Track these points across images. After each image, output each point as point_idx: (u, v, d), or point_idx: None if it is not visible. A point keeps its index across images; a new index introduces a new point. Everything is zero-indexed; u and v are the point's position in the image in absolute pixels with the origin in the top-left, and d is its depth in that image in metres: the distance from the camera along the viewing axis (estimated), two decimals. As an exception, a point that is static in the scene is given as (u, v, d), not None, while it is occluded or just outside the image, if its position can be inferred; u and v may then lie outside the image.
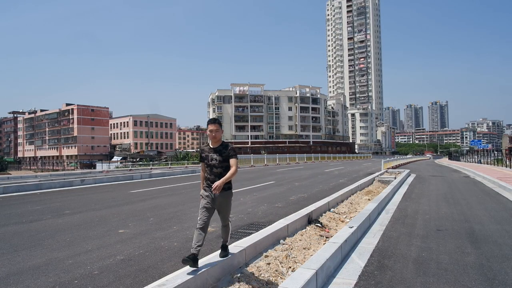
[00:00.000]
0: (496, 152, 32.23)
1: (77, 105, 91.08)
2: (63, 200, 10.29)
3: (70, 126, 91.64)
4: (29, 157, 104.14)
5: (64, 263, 4.25)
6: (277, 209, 8.00)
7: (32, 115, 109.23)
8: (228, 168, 3.68)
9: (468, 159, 39.16)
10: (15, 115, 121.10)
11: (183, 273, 3.32)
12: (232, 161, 3.68)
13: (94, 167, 49.89)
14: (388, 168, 22.62)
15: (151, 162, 46.05)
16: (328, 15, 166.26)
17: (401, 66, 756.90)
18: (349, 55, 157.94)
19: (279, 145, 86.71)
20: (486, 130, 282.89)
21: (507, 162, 23.79)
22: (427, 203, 8.83)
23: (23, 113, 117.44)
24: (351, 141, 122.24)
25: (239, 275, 3.76)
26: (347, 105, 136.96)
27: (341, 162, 46.30)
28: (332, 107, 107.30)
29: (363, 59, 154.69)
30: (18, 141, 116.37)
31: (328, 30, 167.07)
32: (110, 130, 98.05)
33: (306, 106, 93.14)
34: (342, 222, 6.89)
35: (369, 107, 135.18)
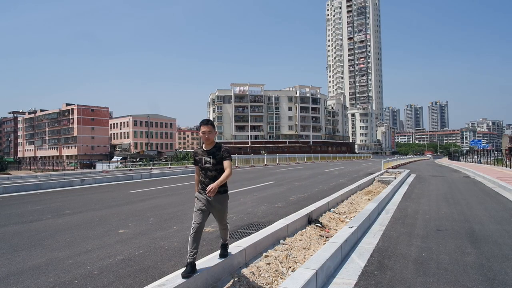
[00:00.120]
0: (496, 152, 32.23)
1: (77, 105, 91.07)
2: (63, 200, 10.29)
3: (70, 126, 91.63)
4: (29, 157, 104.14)
5: (64, 263, 4.25)
6: (277, 209, 8.00)
7: (32, 115, 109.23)
8: (222, 170, 3.59)
9: (468, 159, 39.16)
10: (15, 115, 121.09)
11: (183, 273, 3.31)
12: (226, 163, 3.58)
13: (94, 167, 49.88)
14: (388, 168, 22.62)
15: (151, 162, 46.03)
16: (328, 15, 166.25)
17: (401, 66, 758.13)
18: (349, 55, 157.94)
19: (279, 145, 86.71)
20: (486, 130, 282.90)
21: (507, 162, 23.79)
22: (427, 203, 8.83)
23: (23, 113, 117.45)
24: (351, 141, 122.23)
25: (239, 275, 3.76)
26: (347, 105, 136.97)
27: (341, 162, 46.30)
28: (332, 107, 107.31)
29: (363, 59, 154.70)
30: (18, 141, 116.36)
31: (328, 30, 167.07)
32: (110, 130, 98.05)
33: (306, 106, 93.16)
34: (342, 222, 6.89)
35: (369, 107, 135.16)
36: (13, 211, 8.33)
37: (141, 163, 47.93)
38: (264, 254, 4.47)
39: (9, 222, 6.85)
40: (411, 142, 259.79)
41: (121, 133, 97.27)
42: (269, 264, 4.13)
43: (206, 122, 3.64)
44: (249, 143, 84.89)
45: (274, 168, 29.70)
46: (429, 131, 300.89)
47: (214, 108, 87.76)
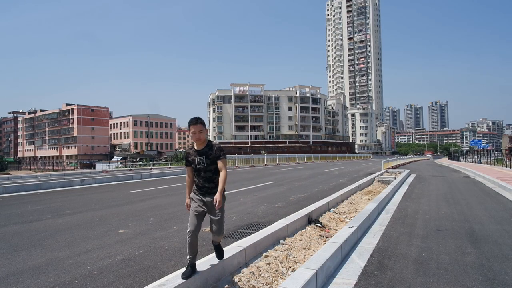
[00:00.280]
0: (496, 152, 32.26)
1: (77, 105, 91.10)
2: (63, 200, 10.29)
3: (70, 126, 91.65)
4: (29, 157, 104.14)
5: (64, 263, 4.24)
6: (277, 209, 8.00)
7: (32, 115, 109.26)
8: (217, 170, 3.39)
9: (468, 159, 39.15)
10: (15, 115, 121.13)
11: (183, 273, 3.31)
12: (221, 164, 3.37)
13: (94, 167, 49.88)
14: (388, 168, 22.61)
15: (151, 162, 46.04)
16: (328, 15, 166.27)
17: (401, 66, 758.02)
18: (349, 55, 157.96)
19: (279, 145, 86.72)
20: (486, 130, 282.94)
21: (507, 162, 23.79)
22: (427, 203, 8.83)
23: (23, 113, 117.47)
24: (351, 141, 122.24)
25: (239, 275, 3.76)
26: (347, 105, 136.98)
27: (341, 162, 46.30)
28: (332, 107, 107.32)
29: (363, 59, 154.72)
30: (18, 141, 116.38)
31: (328, 30, 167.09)
32: (110, 130, 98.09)
33: (306, 106, 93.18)
34: (342, 222, 6.89)
35: (369, 107, 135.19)
36: (13, 211, 8.33)
37: (141, 163, 47.94)
38: (264, 254, 4.47)
39: (9, 222, 6.85)
40: (411, 142, 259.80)
41: (121, 133, 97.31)
42: (269, 264, 4.13)
43: (196, 121, 3.41)
44: (249, 143, 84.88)
45: (274, 168, 29.70)
46: (429, 131, 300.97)
47: (214, 108, 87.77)
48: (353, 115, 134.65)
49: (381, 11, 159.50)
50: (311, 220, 6.48)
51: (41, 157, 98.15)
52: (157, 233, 5.73)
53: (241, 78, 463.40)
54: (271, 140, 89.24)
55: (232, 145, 78.75)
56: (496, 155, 30.72)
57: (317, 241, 5.28)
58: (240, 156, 36.66)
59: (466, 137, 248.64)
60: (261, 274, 3.84)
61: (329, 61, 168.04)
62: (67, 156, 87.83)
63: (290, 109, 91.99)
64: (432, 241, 5.15)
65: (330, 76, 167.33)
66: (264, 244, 4.71)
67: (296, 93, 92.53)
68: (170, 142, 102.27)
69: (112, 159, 70.89)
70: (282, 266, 4.11)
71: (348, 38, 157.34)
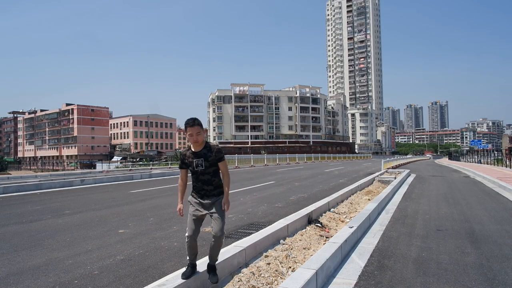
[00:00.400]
0: (496, 152, 32.25)
1: (77, 105, 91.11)
2: (63, 200, 10.29)
3: (70, 126, 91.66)
4: (29, 157, 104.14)
5: (64, 263, 4.25)
6: (277, 209, 8.00)
7: (32, 115, 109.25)
8: (216, 172, 3.28)
9: (468, 159, 39.16)
10: (15, 115, 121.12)
11: (183, 273, 3.31)
12: (222, 166, 3.27)
13: (94, 167, 49.88)
14: (388, 168, 22.62)
15: (151, 162, 46.08)
16: (328, 15, 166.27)
17: (401, 66, 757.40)
18: (349, 55, 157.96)
19: (279, 145, 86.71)
20: (486, 130, 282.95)
21: (507, 162, 23.79)
22: (427, 203, 8.83)
23: (23, 113, 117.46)
24: (351, 141, 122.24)
25: (239, 275, 3.76)
26: (347, 105, 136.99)
27: (341, 162, 46.30)
28: (332, 107, 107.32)
29: (363, 59, 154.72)
30: (18, 141, 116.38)
31: (328, 30, 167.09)
32: (110, 130, 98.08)
33: (306, 106, 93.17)
34: (342, 222, 6.89)
35: (369, 107, 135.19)
36: (13, 211, 8.34)
37: (141, 163, 47.96)
38: (264, 254, 4.47)
39: (9, 222, 6.85)
40: (411, 142, 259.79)
41: (121, 133, 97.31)
42: (269, 264, 4.13)
43: (192, 122, 3.21)
44: (249, 143, 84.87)
45: (274, 168, 29.71)
46: (429, 131, 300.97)
47: (214, 108, 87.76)
48: (353, 115, 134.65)
49: (381, 11, 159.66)
50: (311, 220, 6.48)
51: (41, 157, 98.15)
52: (157, 233, 5.74)
53: (241, 78, 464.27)
54: (271, 140, 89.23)
55: (232, 145, 78.80)
56: (496, 155, 30.71)
57: (317, 241, 5.28)
58: (240, 156, 36.66)
59: (466, 137, 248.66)
60: (261, 274, 3.84)
61: (329, 61, 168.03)
62: (67, 156, 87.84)
63: (290, 109, 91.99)
64: (432, 241, 5.15)
65: (330, 76, 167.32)
66: (264, 244, 4.71)
67: (296, 93, 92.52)
68: (170, 142, 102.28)
69: (112, 159, 70.91)
70: (282, 266, 4.11)
71: (348, 38, 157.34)
